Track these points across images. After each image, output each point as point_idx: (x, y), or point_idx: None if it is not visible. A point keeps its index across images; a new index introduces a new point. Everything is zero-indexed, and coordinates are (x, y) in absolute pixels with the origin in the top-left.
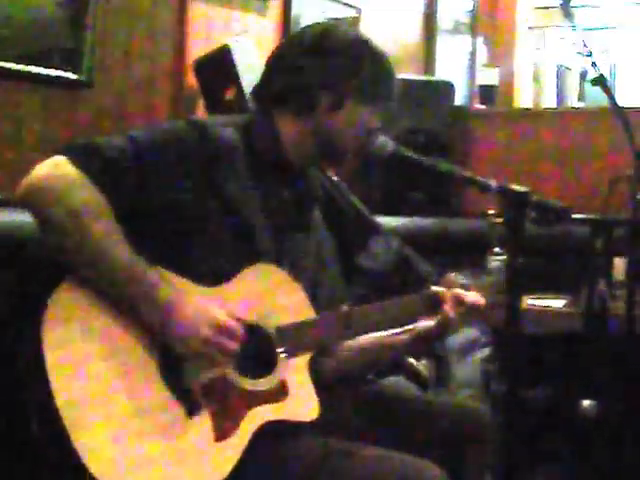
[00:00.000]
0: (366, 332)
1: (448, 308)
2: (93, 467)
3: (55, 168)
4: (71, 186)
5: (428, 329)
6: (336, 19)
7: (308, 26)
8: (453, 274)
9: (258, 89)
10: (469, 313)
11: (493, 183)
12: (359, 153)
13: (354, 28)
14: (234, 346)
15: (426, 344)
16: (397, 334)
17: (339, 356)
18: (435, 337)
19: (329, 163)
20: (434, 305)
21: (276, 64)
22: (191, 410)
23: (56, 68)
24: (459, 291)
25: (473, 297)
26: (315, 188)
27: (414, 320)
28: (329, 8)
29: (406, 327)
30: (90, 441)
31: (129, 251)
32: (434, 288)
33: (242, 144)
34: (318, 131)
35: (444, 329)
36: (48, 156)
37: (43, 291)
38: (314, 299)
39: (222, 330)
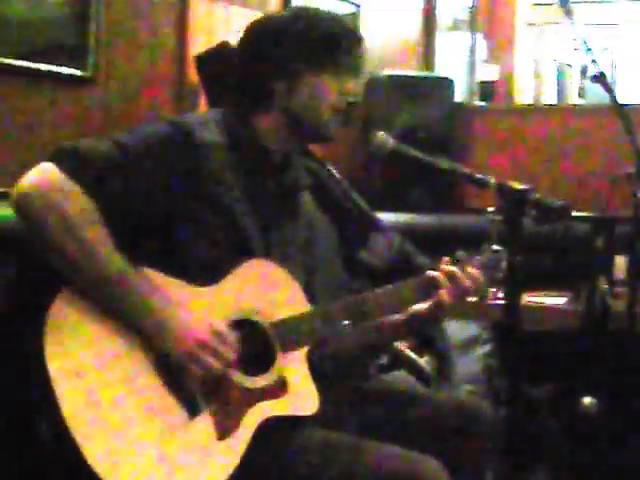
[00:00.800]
0: (369, 321)
1: (443, 292)
2: (100, 471)
3: (43, 176)
4: (62, 194)
5: (423, 310)
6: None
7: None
8: (447, 258)
9: (228, 88)
10: (464, 296)
11: (492, 180)
12: (343, 119)
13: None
14: (229, 353)
15: (421, 325)
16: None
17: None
18: (430, 319)
19: (313, 141)
20: (430, 289)
21: (230, 66)
22: (192, 411)
23: (62, 65)
24: (454, 272)
25: (469, 280)
26: (301, 176)
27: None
28: (328, 4)
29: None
30: (96, 446)
31: (120, 259)
32: (429, 272)
33: (222, 141)
34: (287, 117)
35: (439, 312)
36: (41, 160)
37: (44, 288)
38: (309, 286)
39: (218, 336)
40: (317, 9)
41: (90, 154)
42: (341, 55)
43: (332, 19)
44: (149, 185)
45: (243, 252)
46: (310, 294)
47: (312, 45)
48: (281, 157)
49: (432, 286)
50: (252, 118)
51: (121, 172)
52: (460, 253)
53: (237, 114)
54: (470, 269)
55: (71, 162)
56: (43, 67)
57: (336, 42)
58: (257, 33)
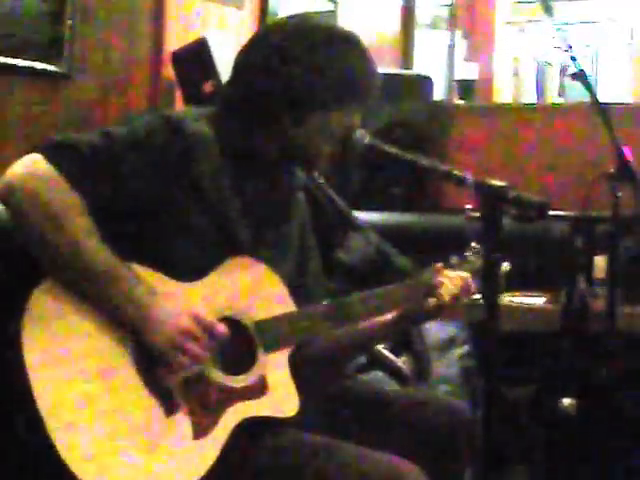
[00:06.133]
0: (354, 323)
1: (442, 292)
2: (73, 465)
3: (31, 167)
4: (47, 186)
5: (416, 310)
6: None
7: (276, 23)
8: (440, 264)
9: (226, 89)
10: (462, 298)
11: (470, 177)
12: (340, 152)
13: (322, 24)
14: (211, 343)
15: (412, 324)
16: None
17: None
18: (424, 319)
19: (305, 167)
20: (426, 292)
21: (239, 68)
22: (169, 408)
23: (36, 60)
24: (453, 275)
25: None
26: (294, 176)
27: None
28: (306, 1)
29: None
30: (70, 439)
31: (106, 251)
32: (426, 276)
33: (215, 137)
34: (287, 143)
35: (436, 313)
36: (26, 153)
37: (25, 282)
38: (300, 287)
39: (201, 325)
40: (352, 46)
41: (79, 146)
42: (360, 96)
43: (363, 56)
44: (137, 179)
45: (230, 249)
46: (301, 296)
47: (335, 82)
48: (274, 161)
49: (430, 289)
50: (251, 131)
51: (109, 165)
52: (454, 258)
53: (234, 121)
54: (463, 274)
55: (59, 154)
56: (17, 62)
57: (359, 82)
58: (283, 47)
